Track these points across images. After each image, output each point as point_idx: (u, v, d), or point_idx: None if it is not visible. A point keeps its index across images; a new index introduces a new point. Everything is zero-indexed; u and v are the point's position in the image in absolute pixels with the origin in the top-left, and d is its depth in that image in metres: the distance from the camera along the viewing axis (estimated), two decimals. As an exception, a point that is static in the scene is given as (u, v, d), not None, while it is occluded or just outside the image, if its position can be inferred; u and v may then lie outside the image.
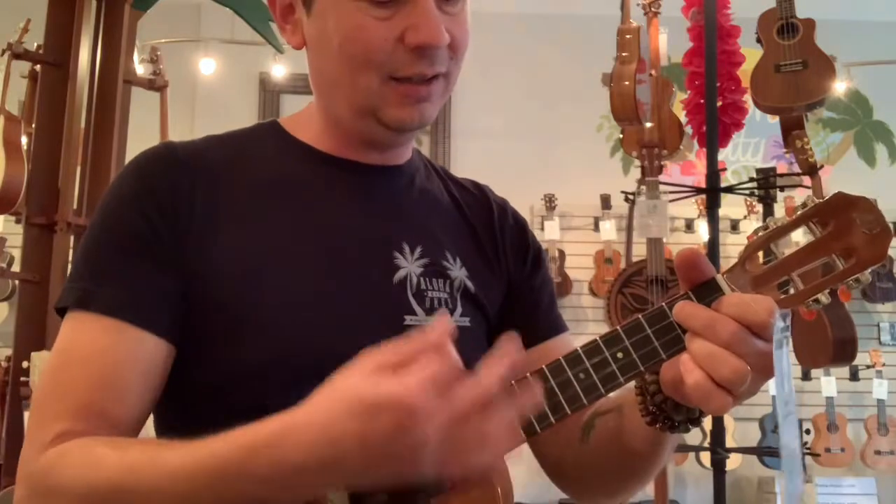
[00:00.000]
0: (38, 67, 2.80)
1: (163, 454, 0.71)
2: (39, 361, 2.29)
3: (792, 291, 0.74)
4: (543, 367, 0.75)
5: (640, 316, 0.75)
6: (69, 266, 2.55)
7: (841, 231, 0.72)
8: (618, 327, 0.75)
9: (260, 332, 0.82)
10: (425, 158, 1.06)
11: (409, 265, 0.90)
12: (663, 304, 0.75)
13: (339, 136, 0.93)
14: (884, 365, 4.37)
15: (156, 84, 3.12)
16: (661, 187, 2.65)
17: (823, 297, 0.74)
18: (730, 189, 2.78)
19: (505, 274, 1.00)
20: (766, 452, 3.83)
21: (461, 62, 0.90)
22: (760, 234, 0.75)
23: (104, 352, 0.79)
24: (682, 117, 2.84)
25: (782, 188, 3.19)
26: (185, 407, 0.86)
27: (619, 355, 0.74)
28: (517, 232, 1.04)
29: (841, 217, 0.72)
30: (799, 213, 0.74)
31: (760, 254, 0.76)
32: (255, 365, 0.81)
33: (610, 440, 0.87)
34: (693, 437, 4.09)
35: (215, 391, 0.82)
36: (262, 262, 0.85)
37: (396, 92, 0.85)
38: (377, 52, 0.83)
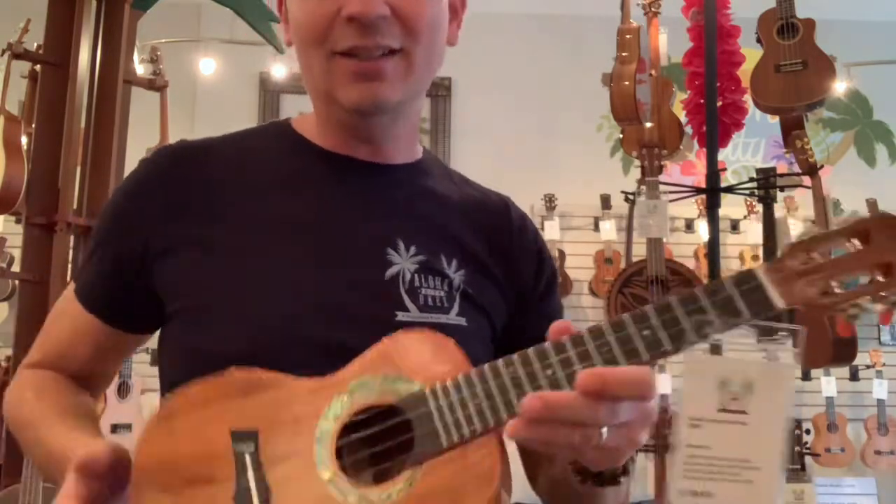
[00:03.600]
0: (38, 67, 2.81)
1: (49, 420, 0.90)
2: (39, 361, 2.29)
3: (829, 296, 0.72)
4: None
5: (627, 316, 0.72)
6: (69, 266, 2.55)
7: (882, 248, 0.72)
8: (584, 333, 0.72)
9: (240, 322, 0.84)
10: (442, 164, 1.05)
11: (403, 262, 0.90)
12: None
13: (334, 131, 0.93)
14: (884, 365, 4.37)
15: (156, 84, 3.12)
16: (661, 187, 2.65)
17: (859, 310, 0.73)
18: (730, 189, 2.78)
19: (515, 288, 0.98)
20: (766, 452, 3.82)
21: (422, 39, 0.87)
22: (803, 236, 0.74)
23: (66, 322, 0.98)
24: (682, 117, 2.84)
25: (782, 188, 3.19)
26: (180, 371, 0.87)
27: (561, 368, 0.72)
28: (534, 252, 1.01)
29: (883, 235, 0.72)
30: (843, 225, 0.73)
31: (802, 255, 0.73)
32: (238, 354, 0.82)
33: (557, 484, 0.88)
34: (693, 437, 4.07)
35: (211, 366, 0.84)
36: (249, 255, 0.87)
37: (342, 68, 0.85)
38: (316, 28, 0.85)
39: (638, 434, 0.69)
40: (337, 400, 0.78)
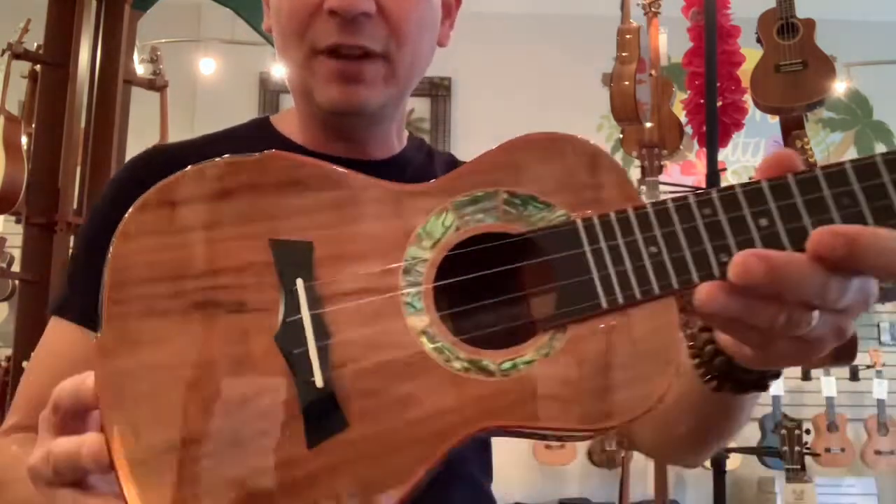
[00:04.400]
0: (38, 67, 2.80)
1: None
2: (39, 361, 2.29)
3: None
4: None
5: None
6: (69, 266, 2.55)
7: None
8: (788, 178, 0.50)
9: None
10: (426, 151, 1.01)
11: None
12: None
13: (313, 128, 0.91)
14: (884, 365, 4.36)
15: (156, 84, 3.12)
16: (661, 187, 2.65)
17: None
18: (730, 189, 2.78)
19: None
20: (766, 452, 3.82)
21: (407, 42, 0.82)
22: None
23: (63, 353, 0.81)
24: (682, 117, 2.84)
25: (782, 188, 3.18)
26: None
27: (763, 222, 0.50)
28: None
29: None
30: None
31: None
32: None
33: (676, 403, 0.71)
34: (693, 437, 4.09)
35: None
36: None
37: (323, 66, 0.80)
38: (297, 19, 0.80)
39: (850, 324, 0.52)
40: (436, 219, 0.55)
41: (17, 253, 3.05)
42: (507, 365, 0.52)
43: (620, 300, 0.51)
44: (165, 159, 0.88)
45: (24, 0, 2.84)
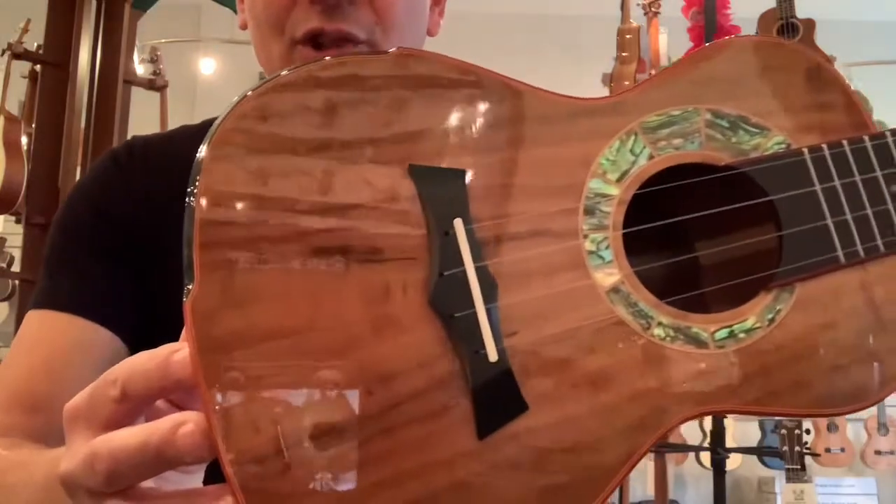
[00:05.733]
0: (38, 67, 2.81)
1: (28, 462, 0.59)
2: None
3: None
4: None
5: None
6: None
7: None
8: None
9: None
10: None
11: None
12: None
13: None
14: (884, 365, 4.37)
15: (156, 84, 3.12)
16: (661, 187, 2.65)
17: None
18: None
19: None
20: (766, 452, 3.82)
21: (395, 30, 0.75)
22: None
23: (50, 341, 0.73)
24: (682, 117, 2.84)
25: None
26: None
27: None
28: None
29: None
30: None
31: None
32: None
33: None
34: (693, 436, 4.08)
35: None
36: None
37: (301, 56, 0.74)
38: (275, 8, 0.74)
39: None
40: (622, 144, 0.45)
41: (17, 253, 3.05)
42: (722, 333, 0.42)
43: (861, 253, 0.43)
44: (146, 150, 0.85)
45: (24, 0, 2.84)
